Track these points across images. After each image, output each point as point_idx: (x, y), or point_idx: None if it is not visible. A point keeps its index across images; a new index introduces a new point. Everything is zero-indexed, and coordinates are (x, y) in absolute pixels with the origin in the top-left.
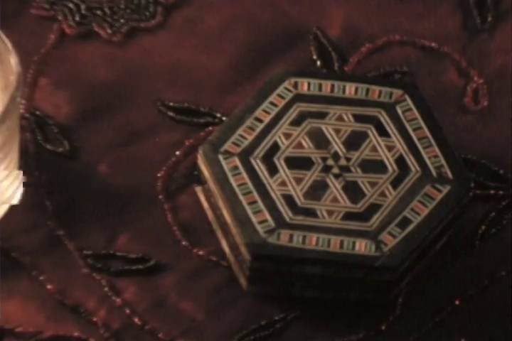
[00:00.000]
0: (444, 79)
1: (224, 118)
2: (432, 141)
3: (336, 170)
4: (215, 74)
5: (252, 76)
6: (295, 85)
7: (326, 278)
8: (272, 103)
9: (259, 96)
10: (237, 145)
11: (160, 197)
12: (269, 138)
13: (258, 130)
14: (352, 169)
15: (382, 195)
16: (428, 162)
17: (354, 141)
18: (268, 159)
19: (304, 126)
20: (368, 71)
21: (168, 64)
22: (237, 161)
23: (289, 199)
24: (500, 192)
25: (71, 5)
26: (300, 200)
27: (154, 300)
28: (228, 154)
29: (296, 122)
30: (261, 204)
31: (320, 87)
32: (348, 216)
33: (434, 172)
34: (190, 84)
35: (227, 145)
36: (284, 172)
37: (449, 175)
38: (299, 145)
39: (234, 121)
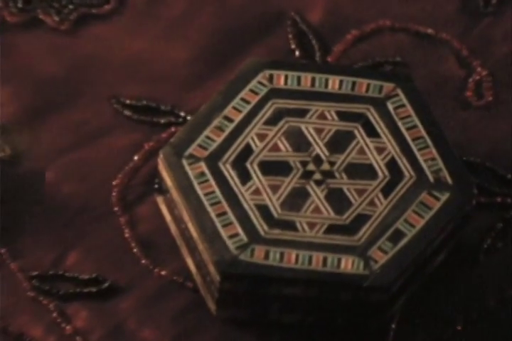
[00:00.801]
0: (442, 70)
1: (188, 118)
2: (429, 142)
3: (317, 176)
4: (178, 67)
5: (221, 68)
6: (270, 78)
7: (308, 300)
8: (243, 99)
9: (229, 92)
10: (204, 148)
11: (116, 208)
12: (240, 139)
13: (228, 131)
14: (336, 175)
15: (372, 204)
16: (424, 165)
17: (338, 143)
18: (239, 164)
19: (281, 125)
20: (355, 62)
21: (124, 55)
22: (203, 167)
23: (264, 210)
24: (508, 200)
25: None
26: (277, 211)
27: (110, 328)
28: (193, 158)
29: (272, 121)
30: (232, 216)
31: (299, 80)
32: (332, 229)
33: (430, 178)
34: (149, 79)
35: (193, 149)
36: (258, 179)
37: (449, 180)
38: (275, 148)
39: (200, 120)
